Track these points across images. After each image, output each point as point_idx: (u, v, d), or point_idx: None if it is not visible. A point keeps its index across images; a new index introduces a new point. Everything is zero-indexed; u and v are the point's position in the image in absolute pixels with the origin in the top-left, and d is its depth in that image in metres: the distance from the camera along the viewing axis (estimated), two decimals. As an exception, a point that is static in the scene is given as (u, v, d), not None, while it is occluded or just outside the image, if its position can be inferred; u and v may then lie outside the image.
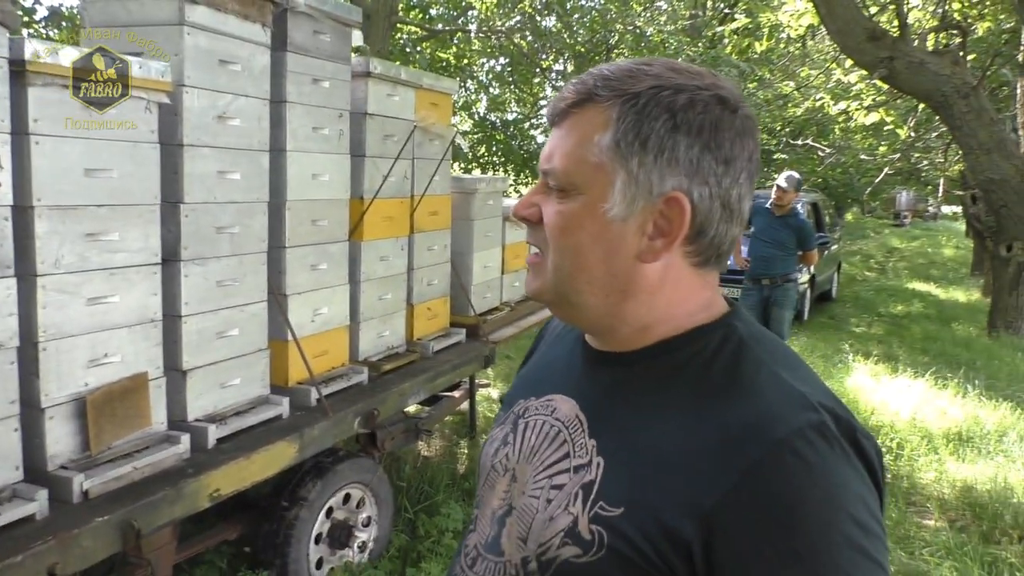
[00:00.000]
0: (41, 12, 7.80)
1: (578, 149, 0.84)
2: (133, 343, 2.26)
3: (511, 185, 11.98)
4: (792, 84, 11.51)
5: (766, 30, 9.49)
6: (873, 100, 7.91)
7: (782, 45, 11.16)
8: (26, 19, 7.31)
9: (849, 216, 25.21)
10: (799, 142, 14.02)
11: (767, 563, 0.71)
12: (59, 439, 2.08)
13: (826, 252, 10.75)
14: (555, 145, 0.87)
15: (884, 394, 6.43)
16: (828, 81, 9.70)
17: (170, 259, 2.41)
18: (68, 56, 2.01)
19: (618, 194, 0.82)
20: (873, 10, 6.94)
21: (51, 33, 7.75)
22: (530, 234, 0.91)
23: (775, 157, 14.59)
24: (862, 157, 13.02)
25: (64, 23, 7.68)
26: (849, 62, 6.60)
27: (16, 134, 1.92)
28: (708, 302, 0.89)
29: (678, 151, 0.81)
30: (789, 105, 11.74)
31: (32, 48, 1.91)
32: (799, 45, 11.32)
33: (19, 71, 1.90)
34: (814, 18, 6.48)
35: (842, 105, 8.67)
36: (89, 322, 2.13)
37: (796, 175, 6.28)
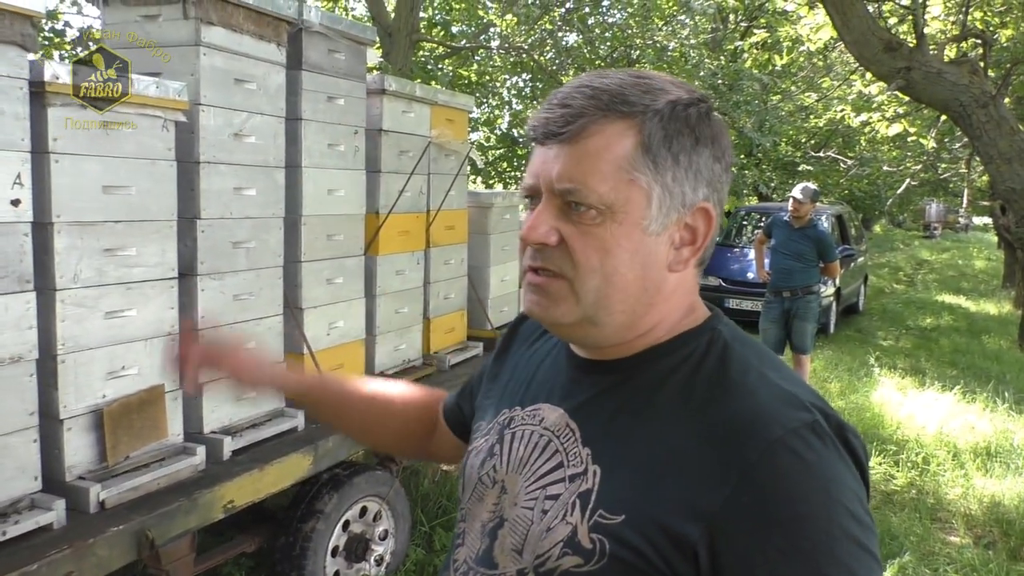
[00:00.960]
0: (71, 34, 8.00)
1: (610, 168, 0.82)
2: (150, 356, 2.31)
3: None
4: (814, 96, 11.45)
5: (786, 44, 9.46)
6: (895, 111, 7.85)
7: (802, 58, 11.12)
8: (57, 40, 7.51)
9: (877, 228, 24.94)
10: (822, 154, 13.93)
11: (771, 561, 0.72)
12: (77, 450, 2.13)
13: (852, 264, 10.63)
14: (574, 164, 0.83)
15: (910, 408, 6.34)
16: (849, 92, 9.64)
17: (187, 273, 2.46)
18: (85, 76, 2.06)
19: (655, 209, 0.83)
20: (891, 21, 6.91)
21: (82, 53, 7.94)
22: (542, 257, 0.86)
23: (800, 169, 14.51)
24: (886, 168, 12.89)
25: (92, 43, 7.87)
26: (870, 73, 6.57)
27: (36, 153, 1.98)
28: (693, 305, 0.91)
29: (701, 162, 0.85)
30: (811, 117, 11.67)
31: (51, 70, 1.97)
32: (821, 57, 11.28)
33: (39, 92, 1.96)
34: (832, 31, 6.47)
35: (863, 117, 8.61)
36: (107, 335, 2.18)
37: (811, 186, 6.25)
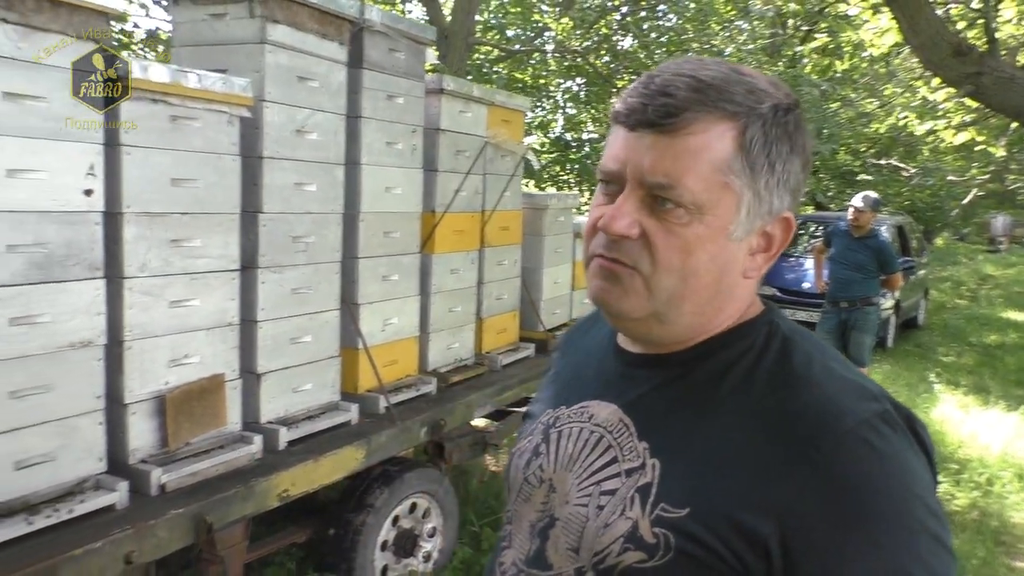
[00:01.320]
0: (139, 34, 8.27)
1: (707, 168, 0.79)
2: (211, 345, 2.36)
3: (583, 203, 11.99)
4: (876, 102, 11.18)
5: (848, 49, 9.26)
6: (963, 119, 7.62)
7: (864, 64, 10.88)
8: (126, 40, 7.76)
9: (939, 241, 24.20)
10: (883, 162, 13.60)
11: (847, 554, 0.71)
12: (140, 434, 2.19)
13: (912, 277, 10.34)
14: (671, 160, 0.80)
15: (973, 426, 6.13)
16: (913, 99, 9.40)
17: (248, 266, 2.51)
18: (157, 73, 2.13)
19: (743, 215, 0.82)
20: (960, 25, 6.71)
21: (149, 54, 8.20)
22: (617, 249, 0.83)
23: (859, 178, 14.19)
24: (951, 178, 12.52)
25: (160, 45, 8.11)
26: (936, 80, 6.39)
27: (109, 145, 2.04)
28: (751, 300, 0.90)
29: (792, 171, 0.84)
30: (872, 122, 11.40)
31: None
32: (883, 63, 11.01)
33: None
34: (897, 35, 6.31)
35: (928, 124, 8.37)
36: (171, 324, 2.24)
37: (872, 194, 6.10)
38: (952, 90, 5.89)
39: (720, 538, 0.75)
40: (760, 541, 0.73)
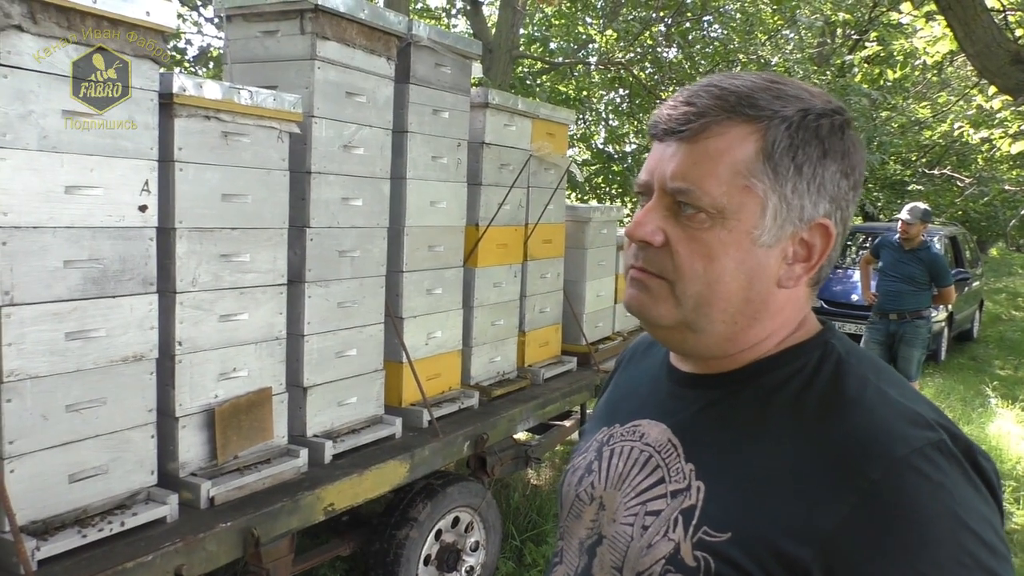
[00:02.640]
0: (192, 51, 8.46)
1: (726, 172, 0.79)
2: (259, 359, 2.38)
3: (627, 215, 11.93)
4: (927, 108, 10.93)
5: (900, 58, 9.07)
6: (1019, 127, 7.41)
7: (916, 72, 10.65)
8: (178, 58, 7.95)
9: (994, 252, 23.55)
10: (936, 172, 13.28)
11: None
12: (190, 447, 2.21)
13: (966, 289, 10.08)
14: (690, 164, 0.81)
15: (1032, 443, 5.93)
16: (968, 108, 9.16)
17: (295, 280, 2.53)
18: (210, 90, 2.16)
19: (769, 220, 0.80)
20: (1018, 32, 6.52)
21: (200, 71, 8.39)
22: (644, 257, 0.84)
23: (909, 188, 13.87)
24: (1006, 188, 12.18)
25: (211, 62, 8.29)
26: (992, 88, 6.22)
27: (163, 161, 2.08)
28: (804, 319, 0.87)
29: (826, 176, 0.81)
30: (924, 130, 11.14)
31: (179, 82, 2.08)
32: (936, 72, 10.77)
33: (167, 103, 2.06)
34: (951, 43, 6.16)
35: (983, 133, 8.15)
36: (220, 338, 2.26)
37: (921, 205, 5.95)
38: (1008, 98, 5.72)
39: (760, 564, 0.73)
40: (801, 568, 0.71)
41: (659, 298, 0.83)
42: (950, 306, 9.04)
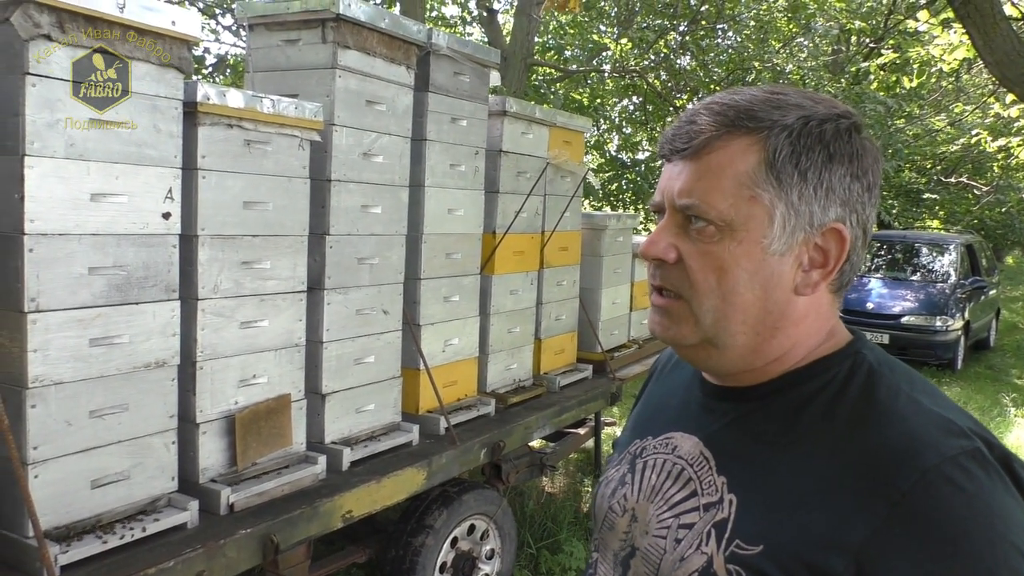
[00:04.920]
0: (209, 60, 8.52)
1: (731, 184, 0.81)
2: (279, 366, 2.39)
3: (641, 223, 11.92)
4: (944, 119, 10.88)
5: (916, 66, 9.03)
6: (1037, 135, 7.38)
7: (933, 80, 10.60)
8: (196, 67, 8.01)
9: (1010, 260, 23.37)
10: (952, 180, 13.20)
11: None
12: (210, 453, 2.22)
13: (983, 297, 10.01)
14: (695, 180, 0.82)
15: (1051, 454, 5.86)
16: (985, 116, 9.11)
17: (314, 287, 2.54)
18: (233, 98, 2.18)
19: (778, 228, 0.81)
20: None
21: (217, 79, 8.45)
22: (660, 275, 0.86)
23: (924, 197, 13.79)
24: (1024, 196, 12.11)
25: (228, 70, 8.35)
26: (1010, 96, 6.18)
27: (186, 169, 2.09)
28: (833, 330, 0.87)
29: (834, 181, 0.81)
30: (940, 139, 11.08)
31: (203, 91, 2.09)
32: (952, 79, 10.71)
33: (190, 112, 2.08)
34: (969, 51, 6.13)
35: (1001, 141, 8.10)
36: (241, 344, 2.27)
37: None
38: (1027, 106, 5.69)
39: None
40: None
41: (679, 319, 0.85)
42: (967, 314, 8.97)
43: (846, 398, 0.80)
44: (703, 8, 10.31)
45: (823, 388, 0.82)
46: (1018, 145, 7.55)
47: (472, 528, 3.25)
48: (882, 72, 10.30)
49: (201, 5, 8.13)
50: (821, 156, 0.80)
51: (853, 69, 11.54)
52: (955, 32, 6.61)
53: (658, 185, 0.88)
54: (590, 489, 4.82)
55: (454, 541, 3.14)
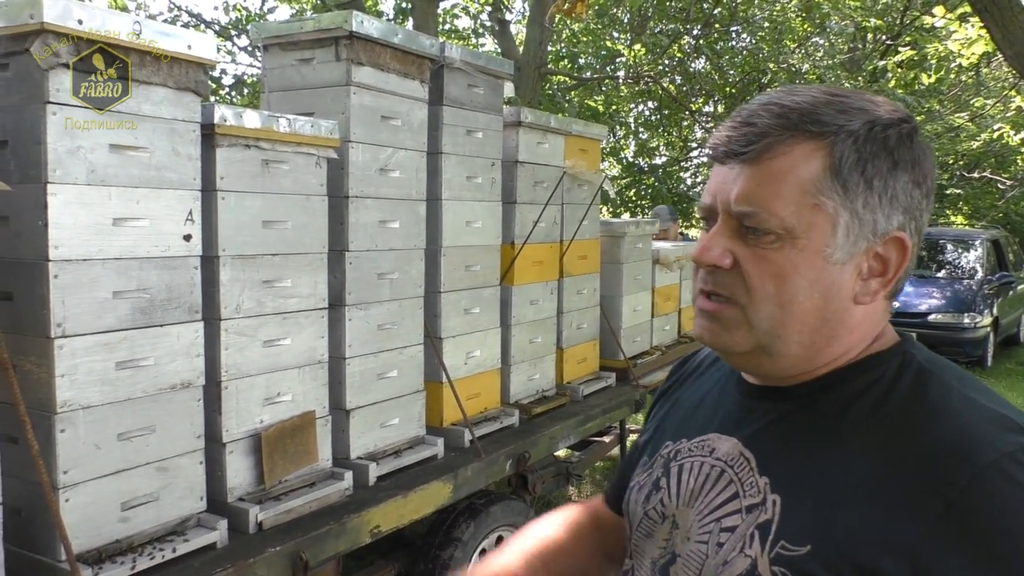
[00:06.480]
0: (227, 80, 8.64)
1: (793, 191, 0.78)
2: (302, 383, 2.40)
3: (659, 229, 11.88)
4: (965, 115, 10.76)
5: (934, 61, 8.95)
6: (1060, 127, 7.27)
7: (952, 75, 10.49)
8: (214, 87, 8.12)
9: (1036, 254, 22.99)
10: (975, 175, 13.04)
11: None
12: (237, 472, 2.23)
13: (1011, 292, 9.86)
14: (755, 186, 0.79)
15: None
16: (1007, 110, 9.00)
17: (336, 304, 2.55)
18: (250, 119, 2.20)
19: (841, 237, 0.79)
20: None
21: (235, 99, 8.55)
22: (713, 280, 0.83)
23: (947, 192, 13.63)
24: (1050, 189, 11.94)
25: (246, 90, 8.45)
26: (1031, 88, 6.11)
27: (206, 191, 2.11)
28: (882, 332, 0.86)
29: (898, 188, 0.80)
30: (962, 137, 10.97)
31: (220, 113, 2.11)
32: (971, 74, 10.59)
33: (208, 134, 2.10)
34: (987, 45, 6.06)
35: (1023, 134, 8.00)
36: (264, 363, 2.29)
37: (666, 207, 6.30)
38: (1049, 98, 5.61)
39: None
40: None
41: (731, 326, 0.82)
42: (996, 310, 8.83)
43: (895, 395, 0.79)
44: (716, 11, 10.28)
45: (871, 386, 0.81)
46: (1041, 137, 7.46)
47: (500, 540, 3.23)
48: (900, 69, 10.22)
49: (217, 28, 8.24)
50: (886, 163, 0.79)
51: (870, 67, 11.45)
52: (973, 26, 6.54)
53: (707, 187, 0.85)
54: (617, 498, 4.78)
55: (482, 553, 3.13)
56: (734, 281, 0.81)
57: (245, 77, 8.72)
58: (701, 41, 10.51)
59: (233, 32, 8.48)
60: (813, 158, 0.78)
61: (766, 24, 10.80)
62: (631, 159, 13.76)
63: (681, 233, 6.05)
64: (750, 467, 0.84)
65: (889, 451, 0.74)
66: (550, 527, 1.14)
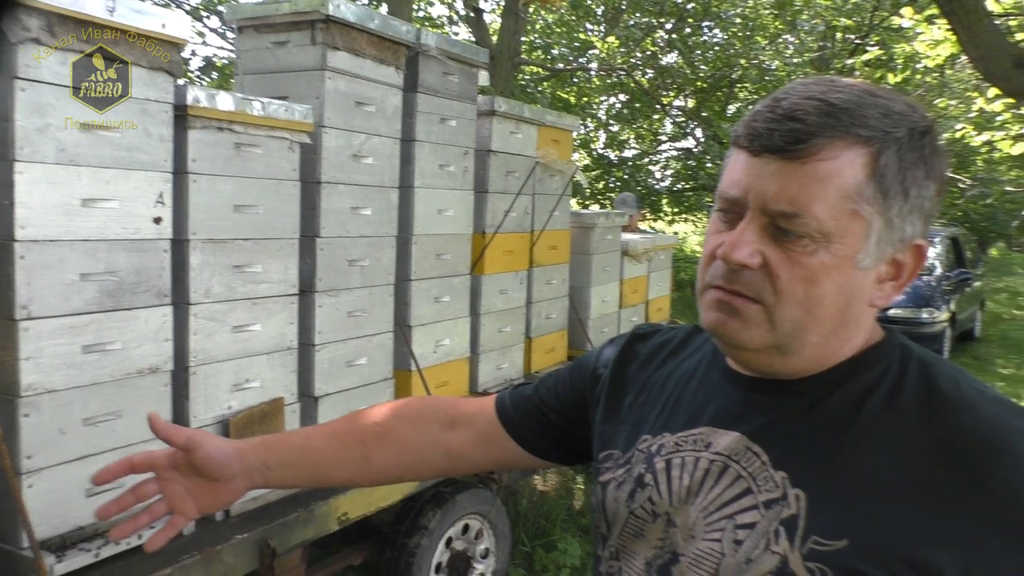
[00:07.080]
0: (196, 62, 8.50)
1: (835, 195, 0.76)
2: (272, 369, 2.38)
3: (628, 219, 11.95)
4: (929, 116, 10.96)
5: (901, 62, 9.10)
6: (1021, 129, 7.44)
7: (918, 76, 10.69)
8: (184, 68, 7.98)
9: (994, 252, 23.57)
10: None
11: None
12: (204, 458, 2.21)
13: (967, 289, 10.09)
14: (798, 187, 0.76)
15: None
16: (968, 111, 9.20)
17: (306, 290, 2.54)
18: (223, 101, 2.17)
19: (873, 243, 0.78)
20: (1019, 36, 6.56)
21: (204, 82, 8.41)
22: (738, 280, 0.80)
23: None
24: (1008, 189, 12.22)
25: (214, 72, 8.31)
26: (993, 91, 6.24)
27: (177, 173, 2.08)
28: (873, 326, 0.87)
29: (926, 199, 0.80)
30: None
31: (193, 94, 2.08)
32: (936, 75, 10.80)
33: (181, 115, 2.07)
34: (953, 47, 6.18)
35: (985, 136, 8.19)
36: (233, 349, 2.27)
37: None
38: (1011, 100, 5.74)
39: (889, 572, 0.72)
40: (936, 573, 0.70)
41: (752, 323, 0.80)
42: (953, 306, 9.04)
43: (907, 388, 0.80)
44: (689, 6, 10.34)
45: (880, 379, 0.82)
46: (1001, 139, 7.63)
47: (466, 528, 3.25)
48: (867, 68, 10.38)
49: (187, 8, 8.08)
50: (921, 173, 0.79)
51: (838, 65, 11.61)
52: (939, 28, 6.67)
53: (733, 178, 0.81)
54: (582, 487, 4.83)
55: (449, 541, 3.15)
56: (761, 282, 0.79)
57: (215, 60, 8.57)
58: (674, 35, 10.56)
59: (203, 13, 8.33)
60: (857, 163, 0.77)
61: (738, 20, 10.89)
62: (601, 151, 13.81)
63: (638, 225, 6.07)
64: (762, 461, 0.82)
65: (919, 446, 0.75)
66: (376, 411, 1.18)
